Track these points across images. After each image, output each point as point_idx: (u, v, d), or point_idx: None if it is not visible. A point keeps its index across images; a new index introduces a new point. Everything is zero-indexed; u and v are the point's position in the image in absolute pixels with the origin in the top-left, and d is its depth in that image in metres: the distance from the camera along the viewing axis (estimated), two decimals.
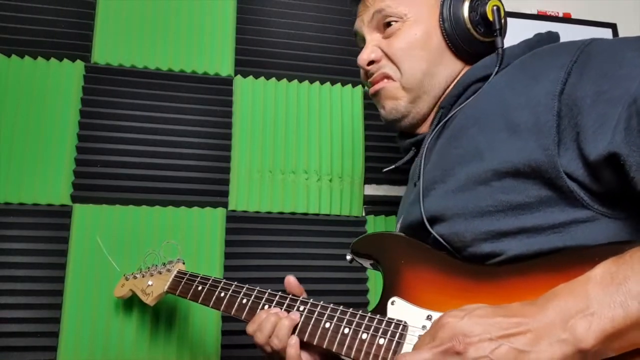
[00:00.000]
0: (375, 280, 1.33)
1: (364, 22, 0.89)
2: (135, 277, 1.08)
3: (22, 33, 1.24)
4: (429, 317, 0.67)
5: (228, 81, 1.35)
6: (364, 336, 0.70)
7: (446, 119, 0.80)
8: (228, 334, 1.21)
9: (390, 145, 1.39)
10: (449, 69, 0.84)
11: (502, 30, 0.82)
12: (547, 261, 0.62)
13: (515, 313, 0.54)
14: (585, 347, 0.49)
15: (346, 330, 0.72)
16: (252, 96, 1.35)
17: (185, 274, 0.96)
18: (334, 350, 0.72)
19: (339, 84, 1.41)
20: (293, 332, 0.77)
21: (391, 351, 0.67)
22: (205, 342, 1.20)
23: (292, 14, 1.43)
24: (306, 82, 1.40)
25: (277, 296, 0.82)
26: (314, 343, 0.75)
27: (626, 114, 0.57)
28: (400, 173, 1.00)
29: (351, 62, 1.35)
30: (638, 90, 0.57)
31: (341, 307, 0.75)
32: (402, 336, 0.67)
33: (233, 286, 0.87)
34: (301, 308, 0.79)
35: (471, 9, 0.82)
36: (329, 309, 0.76)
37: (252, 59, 1.37)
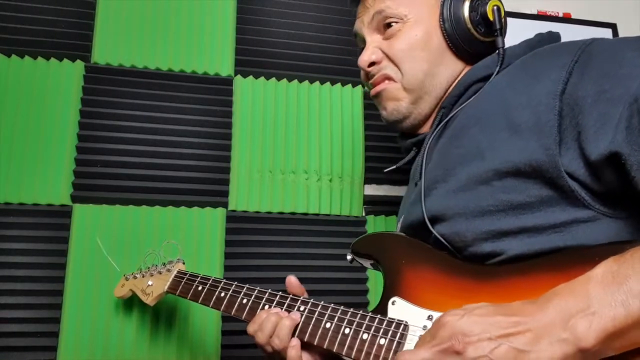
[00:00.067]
0: (375, 280, 1.33)
1: (364, 23, 0.88)
2: (135, 277, 1.08)
3: (22, 33, 1.24)
4: (429, 317, 0.67)
5: (228, 81, 1.35)
6: (365, 336, 0.70)
7: (447, 118, 0.80)
8: (228, 334, 1.21)
9: (390, 145, 1.39)
10: (450, 69, 0.84)
11: (502, 30, 0.82)
12: (547, 261, 0.62)
13: (515, 312, 0.54)
14: (586, 346, 0.49)
15: (347, 331, 0.72)
16: (252, 96, 1.35)
17: (185, 274, 0.96)
18: (334, 350, 0.72)
19: (339, 84, 1.41)
20: (294, 332, 0.76)
21: (392, 351, 0.66)
22: (205, 342, 1.20)
23: (292, 14, 1.43)
24: (306, 82, 1.39)
25: (278, 296, 0.82)
26: (315, 343, 0.75)
27: (627, 113, 0.57)
28: (401, 173, 1.00)
29: (351, 62, 1.35)
30: (639, 89, 0.57)
31: (342, 307, 0.75)
32: (403, 336, 0.67)
33: (233, 286, 0.87)
34: (302, 308, 0.78)
35: (471, 9, 0.82)
36: (330, 309, 0.76)
37: (252, 59, 1.37)
